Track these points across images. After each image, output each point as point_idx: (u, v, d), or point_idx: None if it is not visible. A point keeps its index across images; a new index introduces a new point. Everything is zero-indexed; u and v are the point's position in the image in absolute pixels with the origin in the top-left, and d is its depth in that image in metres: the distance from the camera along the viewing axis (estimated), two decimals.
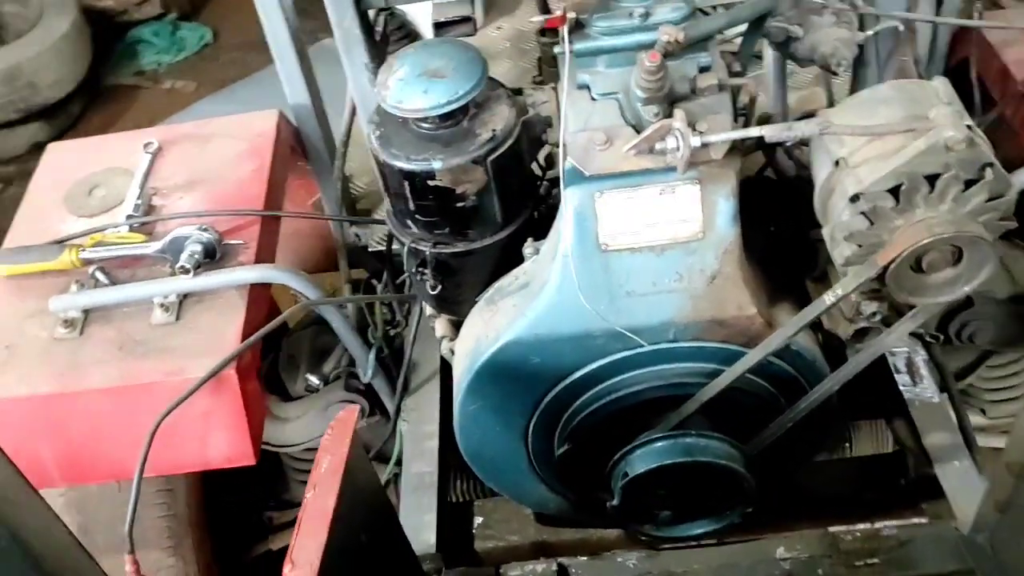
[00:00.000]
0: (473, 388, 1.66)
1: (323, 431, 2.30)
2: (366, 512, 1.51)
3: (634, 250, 1.52)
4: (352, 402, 2.24)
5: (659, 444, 1.60)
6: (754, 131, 1.41)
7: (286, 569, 1.22)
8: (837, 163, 1.40)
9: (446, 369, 2.19)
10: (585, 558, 1.75)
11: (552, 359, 1.60)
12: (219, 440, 1.79)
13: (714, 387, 1.56)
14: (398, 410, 2.13)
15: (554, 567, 1.71)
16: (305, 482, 2.60)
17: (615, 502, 1.62)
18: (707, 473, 1.60)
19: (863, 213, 1.36)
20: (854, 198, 1.36)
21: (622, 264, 1.52)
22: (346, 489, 1.35)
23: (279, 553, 2.68)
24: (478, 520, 2.03)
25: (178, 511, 2.10)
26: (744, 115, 1.55)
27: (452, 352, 1.80)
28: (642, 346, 1.56)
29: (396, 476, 2.28)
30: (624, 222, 1.51)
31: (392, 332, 2.33)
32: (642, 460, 1.60)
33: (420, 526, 1.87)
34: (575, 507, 1.89)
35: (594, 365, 1.59)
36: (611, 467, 1.65)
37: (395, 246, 2.11)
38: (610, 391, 1.62)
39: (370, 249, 2.41)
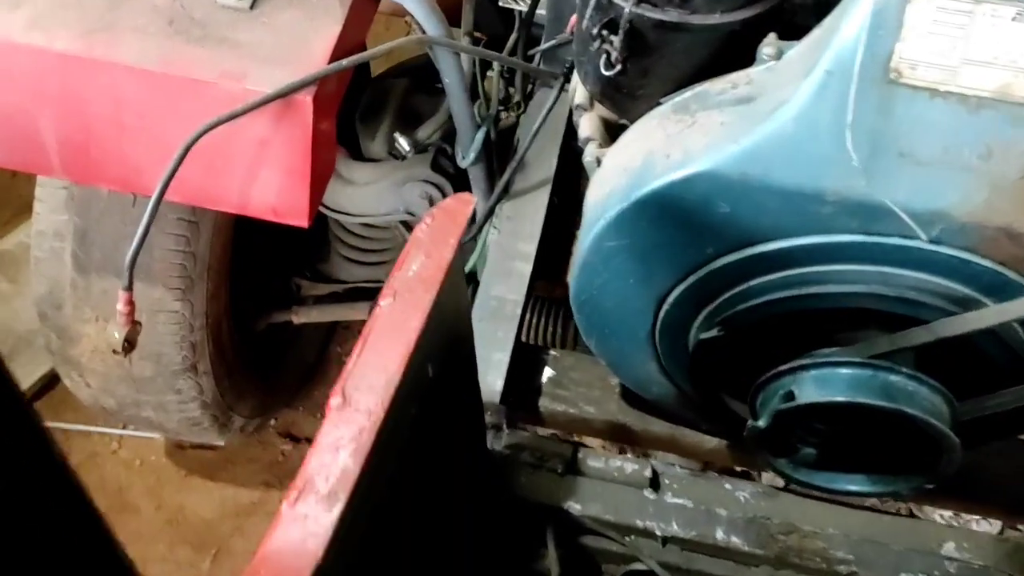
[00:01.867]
0: (622, 220, 1.19)
1: (392, 208, 1.88)
2: (446, 340, 1.09)
3: (937, 93, 1.00)
4: (436, 186, 1.79)
5: (850, 372, 1.15)
6: None
7: (334, 402, 0.81)
8: None
9: (567, 181, 1.72)
10: (684, 471, 1.36)
11: (749, 214, 1.12)
12: (270, 182, 1.36)
13: (967, 323, 1.09)
14: (491, 213, 1.67)
15: (648, 471, 1.31)
16: (350, 259, 2.21)
17: (759, 423, 1.19)
18: (899, 425, 1.16)
19: None
20: None
21: (911, 109, 1.01)
22: (437, 309, 0.92)
23: (297, 330, 2.32)
24: (549, 373, 1.62)
25: (198, 251, 1.70)
26: None
27: (598, 163, 1.32)
28: (888, 236, 1.08)
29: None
30: (937, 48, 0.98)
31: (503, 116, 1.84)
32: (821, 386, 1.16)
33: (487, 366, 1.47)
34: (682, 402, 1.47)
35: (803, 241, 1.12)
36: (768, 379, 1.22)
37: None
38: (807, 281, 1.15)
39: (501, 3, 1.87)
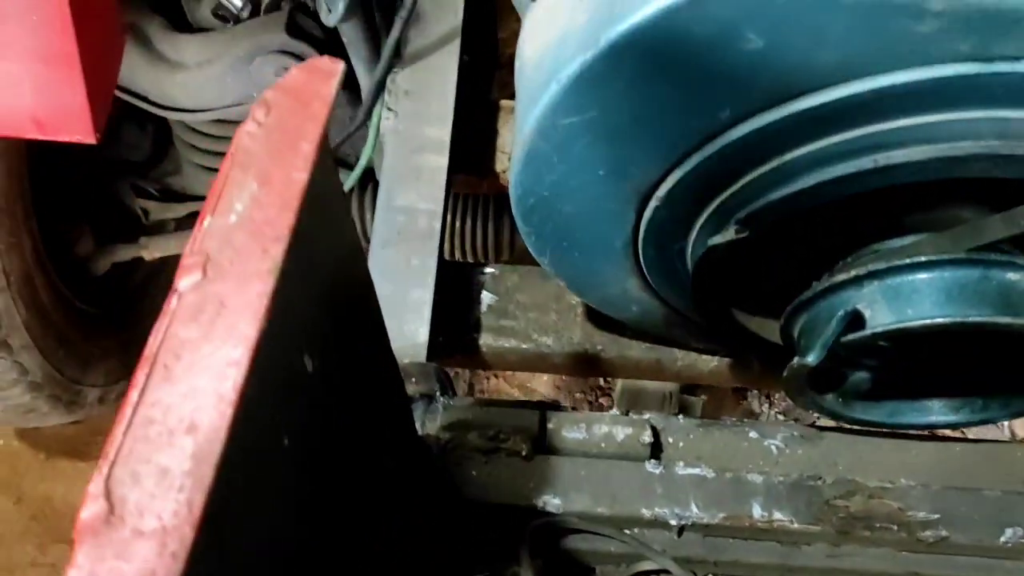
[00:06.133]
0: (585, 82, 0.75)
1: (242, 95, 1.36)
2: (327, 308, 0.66)
3: None
4: (297, 57, 1.29)
5: (951, 275, 0.76)
6: None
7: (86, 514, 0.38)
8: None
9: (482, 28, 1.27)
10: (691, 423, 0.98)
11: (797, 47, 0.70)
12: (20, 81, 0.86)
13: None
14: (380, 88, 1.20)
15: (646, 434, 0.93)
16: (206, 167, 1.70)
17: (808, 360, 0.81)
18: (1007, 338, 0.80)
19: None
20: None
21: None
22: (296, 273, 0.50)
23: (154, 268, 1.83)
24: (488, 299, 1.20)
25: None
26: None
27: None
28: (1020, 60, 0.67)
29: (352, 192, 1.40)
30: None
31: None
32: (906, 301, 0.77)
33: (402, 310, 1.04)
34: (671, 321, 1.09)
35: (884, 81, 0.70)
36: (816, 296, 0.83)
37: None
38: (881, 145, 0.75)
39: None
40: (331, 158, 0.63)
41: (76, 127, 0.88)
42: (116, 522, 0.39)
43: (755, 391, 2.03)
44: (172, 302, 0.47)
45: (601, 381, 2.10)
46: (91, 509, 0.39)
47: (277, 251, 0.49)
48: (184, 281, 0.48)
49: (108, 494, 0.40)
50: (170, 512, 0.39)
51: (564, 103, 0.78)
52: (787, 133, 0.76)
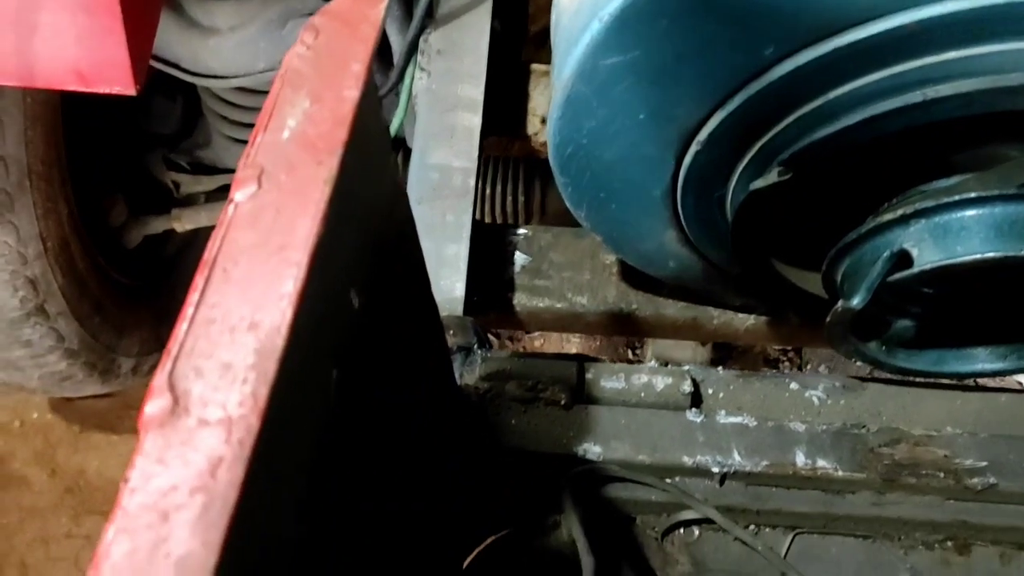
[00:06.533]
0: (628, 20, 0.75)
1: (273, 60, 1.36)
2: (373, 242, 0.66)
3: None
4: None
5: (1002, 211, 0.75)
6: None
7: (152, 408, 0.38)
8: None
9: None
10: (732, 374, 0.97)
11: None
12: (63, 33, 0.87)
13: None
14: (413, 49, 1.20)
15: (686, 384, 0.92)
16: (236, 139, 1.71)
17: (853, 303, 0.80)
18: None
19: None
20: None
21: None
22: (346, 191, 0.50)
23: (185, 240, 1.84)
24: (522, 260, 1.20)
25: (6, 152, 1.20)
26: None
27: None
28: None
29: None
30: None
31: None
32: (956, 238, 0.76)
33: (438, 264, 1.04)
34: (710, 276, 1.08)
35: (941, 8, 0.69)
36: (861, 238, 0.82)
37: None
38: (933, 78, 0.73)
39: None
40: (376, 90, 0.63)
41: (117, 78, 0.89)
42: (181, 412, 0.39)
43: (787, 362, 2.02)
44: (228, 211, 0.47)
45: (630, 354, 2.09)
46: (156, 403, 0.40)
47: (332, 163, 0.49)
48: (240, 193, 0.48)
49: (172, 387, 0.40)
50: (235, 403, 0.39)
51: (606, 42, 0.77)
52: (832, 69, 0.75)
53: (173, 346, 0.42)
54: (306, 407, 0.51)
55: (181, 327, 0.43)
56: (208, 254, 0.45)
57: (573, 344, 2.10)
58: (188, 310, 0.43)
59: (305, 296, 0.45)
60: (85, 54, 0.88)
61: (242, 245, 0.45)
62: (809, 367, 2.00)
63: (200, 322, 0.42)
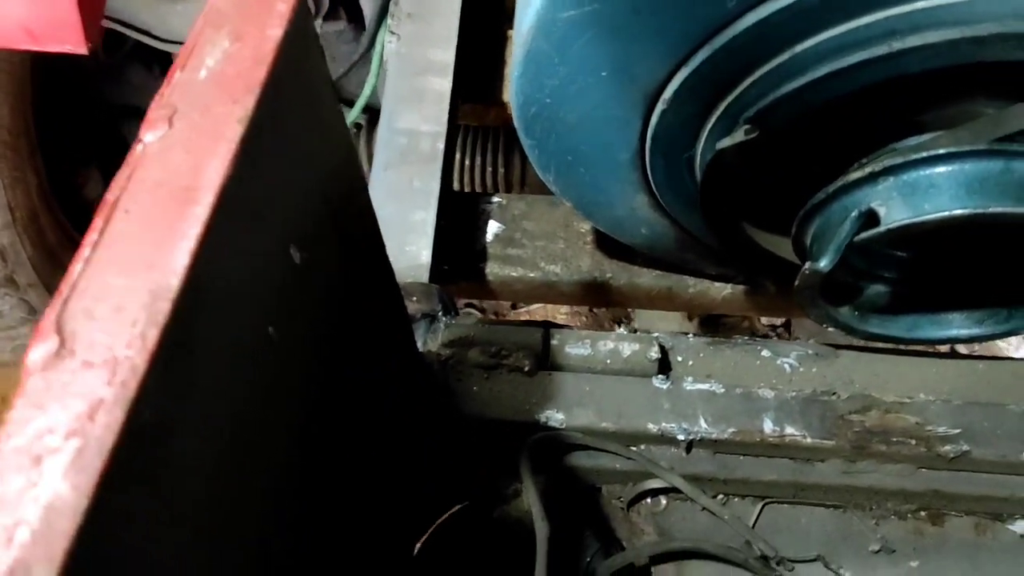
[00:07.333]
0: None
1: None
2: (313, 194, 0.64)
3: None
4: None
5: (972, 168, 0.73)
6: None
7: (36, 355, 0.36)
8: None
9: None
10: (701, 340, 0.95)
11: None
12: None
13: None
14: (383, 12, 1.17)
15: (653, 350, 0.90)
16: None
17: (820, 265, 0.78)
18: None
19: None
20: None
21: None
22: (277, 132, 0.48)
23: None
24: (495, 228, 1.18)
25: None
26: None
27: None
28: None
29: (360, 130, 1.38)
30: None
31: None
32: (924, 195, 0.74)
33: (403, 231, 1.02)
34: (682, 243, 1.06)
35: None
36: (829, 197, 0.79)
37: None
38: (900, 29, 0.71)
39: None
40: (315, 34, 0.60)
41: (67, 37, 0.87)
42: (66, 355, 0.37)
43: (776, 337, 1.99)
44: (136, 151, 0.45)
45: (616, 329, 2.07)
46: (41, 345, 0.38)
47: (248, 101, 0.47)
48: (150, 134, 0.46)
49: (60, 329, 0.38)
50: (122, 344, 0.37)
51: None
52: (797, 21, 0.73)
53: (65, 287, 0.40)
54: (224, 357, 0.49)
55: (75, 268, 0.40)
56: (110, 195, 0.43)
57: (560, 321, 2.08)
58: (84, 251, 0.41)
59: (213, 239, 0.43)
60: (35, 13, 0.86)
61: (147, 185, 0.43)
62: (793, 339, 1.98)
63: (95, 263, 0.40)
